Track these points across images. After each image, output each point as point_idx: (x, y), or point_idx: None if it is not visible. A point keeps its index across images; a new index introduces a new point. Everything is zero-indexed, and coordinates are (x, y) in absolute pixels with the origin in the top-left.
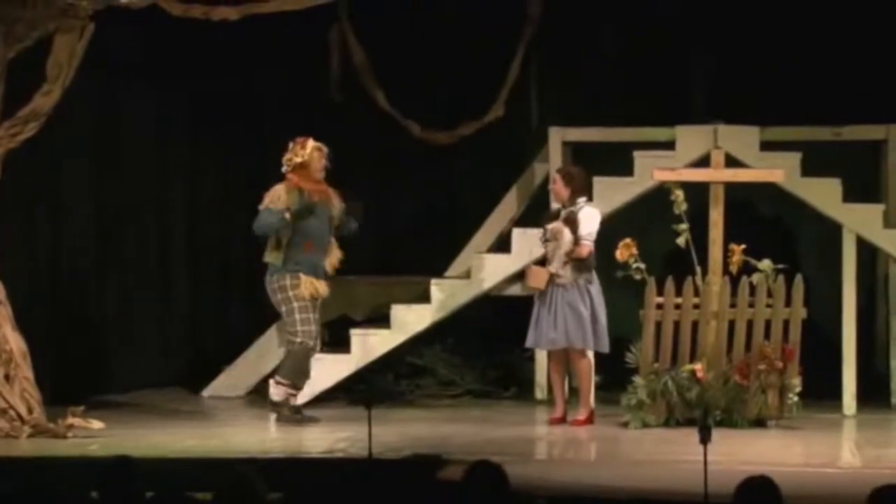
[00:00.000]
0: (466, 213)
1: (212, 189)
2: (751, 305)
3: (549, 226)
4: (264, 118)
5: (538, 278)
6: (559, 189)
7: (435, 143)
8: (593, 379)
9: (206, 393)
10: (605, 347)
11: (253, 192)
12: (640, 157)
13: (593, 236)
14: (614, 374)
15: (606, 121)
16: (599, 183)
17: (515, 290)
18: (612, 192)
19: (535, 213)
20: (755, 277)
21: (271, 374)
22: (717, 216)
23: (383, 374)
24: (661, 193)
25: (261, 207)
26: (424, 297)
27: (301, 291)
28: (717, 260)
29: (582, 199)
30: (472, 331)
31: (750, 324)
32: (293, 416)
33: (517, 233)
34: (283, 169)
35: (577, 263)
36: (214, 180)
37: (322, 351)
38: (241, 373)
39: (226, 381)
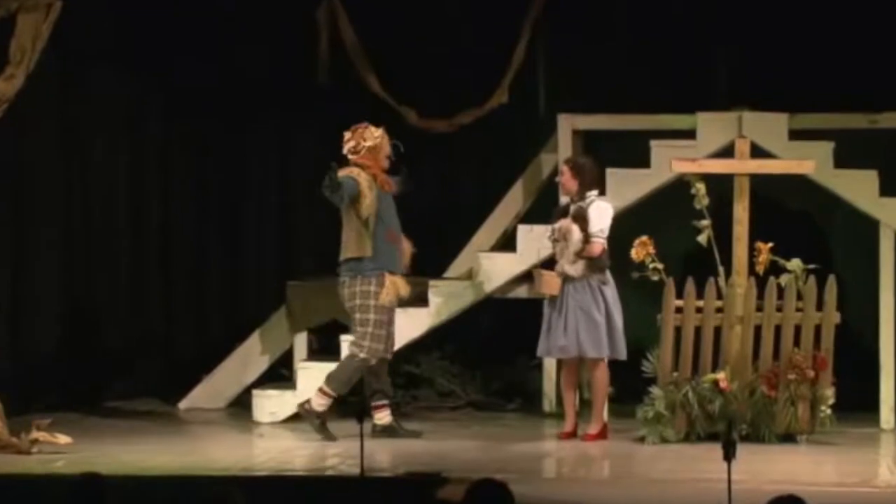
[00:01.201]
0: (467, 209)
1: (187, 182)
2: (779, 309)
3: (557, 224)
4: (245, 105)
5: (551, 285)
6: (567, 181)
7: (433, 131)
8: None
9: (182, 405)
10: (622, 354)
11: (232, 185)
12: (657, 146)
13: (605, 233)
14: (629, 385)
15: (620, 107)
16: (613, 175)
17: (521, 292)
18: (627, 186)
19: (543, 209)
20: (784, 278)
21: (254, 384)
22: (741, 211)
23: None
24: (680, 187)
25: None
26: (421, 300)
27: (384, 299)
28: (741, 259)
29: (592, 193)
30: (473, 337)
31: (778, 329)
32: (320, 427)
33: (523, 230)
34: (351, 157)
35: (589, 262)
36: (190, 173)
37: (309, 359)
38: (222, 382)
39: (204, 391)
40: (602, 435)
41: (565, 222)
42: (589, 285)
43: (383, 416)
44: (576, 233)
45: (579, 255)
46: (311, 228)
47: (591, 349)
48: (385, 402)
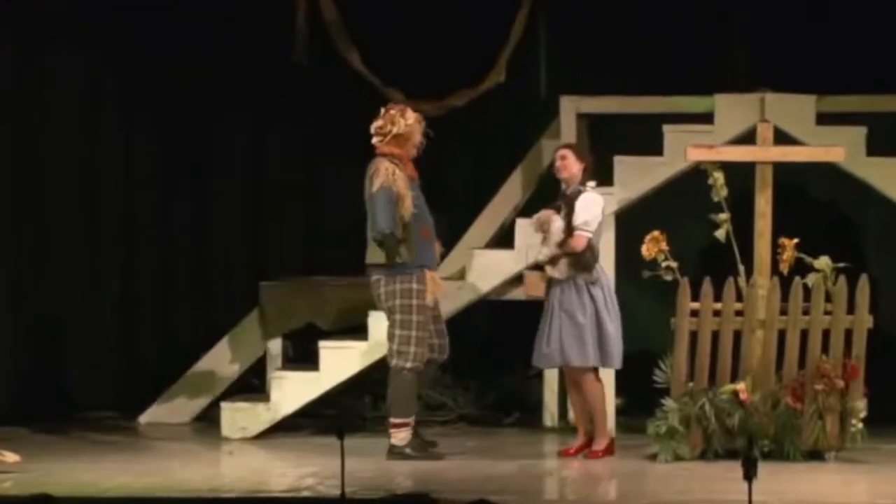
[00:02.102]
0: (460, 201)
1: (150, 171)
2: (805, 312)
3: (538, 214)
4: (214, 87)
5: (536, 287)
6: (571, 164)
7: (422, 115)
8: (613, 401)
9: (143, 419)
10: (614, 363)
11: (199, 173)
12: (671, 132)
13: (592, 226)
14: (640, 396)
15: (630, 89)
16: (622, 164)
17: (519, 293)
18: (638, 175)
19: (543, 200)
20: (811, 278)
21: (223, 396)
22: (764, 204)
23: (358, 396)
24: (696, 176)
25: (374, 189)
26: None
27: (427, 300)
28: (764, 257)
29: (592, 183)
30: (466, 343)
31: (804, 334)
32: (420, 453)
33: (521, 224)
34: (375, 140)
35: (573, 260)
36: (153, 161)
37: (284, 368)
38: (187, 394)
39: (168, 404)
40: (609, 451)
41: (545, 212)
42: (575, 285)
43: (400, 438)
44: (556, 222)
45: (561, 247)
46: (287, 223)
47: (575, 357)
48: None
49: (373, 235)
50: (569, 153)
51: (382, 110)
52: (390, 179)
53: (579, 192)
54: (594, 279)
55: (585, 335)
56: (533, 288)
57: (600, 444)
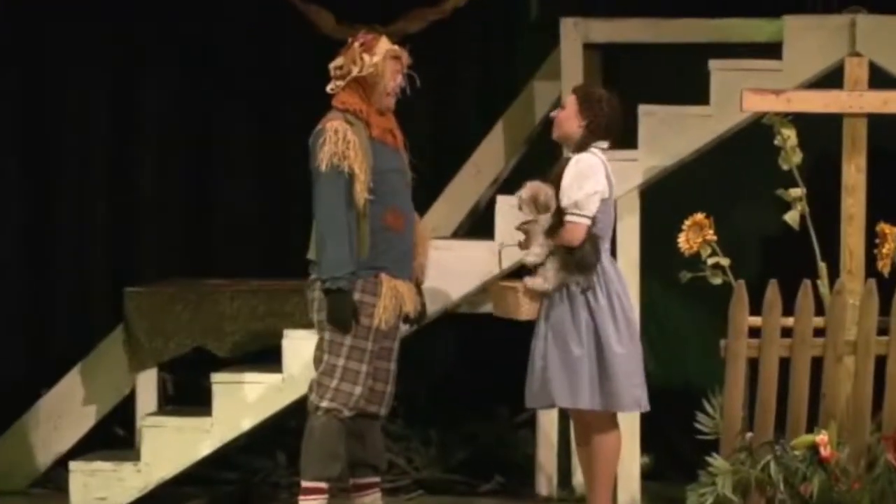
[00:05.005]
0: (417, 171)
1: None
2: None
3: (527, 187)
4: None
5: (518, 304)
6: (566, 118)
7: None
8: (637, 459)
9: None
10: (624, 404)
11: (33, 134)
12: (720, 71)
13: (588, 207)
14: (674, 451)
15: (660, 8)
16: (649, 117)
17: None
18: (672, 134)
19: (535, 169)
20: None
21: (73, 453)
22: (854, 174)
23: (269, 453)
24: (756, 135)
25: (319, 166)
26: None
27: (377, 317)
28: (855, 251)
29: (599, 146)
30: (427, 376)
31: None
32: None
33: (504, 203)
34: (330, 87)
35: (564, 256)
36: None
37: (161, 412)
38: (20, 451)
39: None
40: None
41: (535, 186)
42: (567, 296)
43: (371, 502)
44: (552, 204)
45: (551, 237)
46: (165, 203)
47: (562, 396)
48: (374, 479)
49: (319, 278)
50: (571, 101)
51: (349, 41)
52: (340, 149)
53: (569, 160)
54: (593, 284)
55: (577, 366)
56: (515, 306)
57: None
